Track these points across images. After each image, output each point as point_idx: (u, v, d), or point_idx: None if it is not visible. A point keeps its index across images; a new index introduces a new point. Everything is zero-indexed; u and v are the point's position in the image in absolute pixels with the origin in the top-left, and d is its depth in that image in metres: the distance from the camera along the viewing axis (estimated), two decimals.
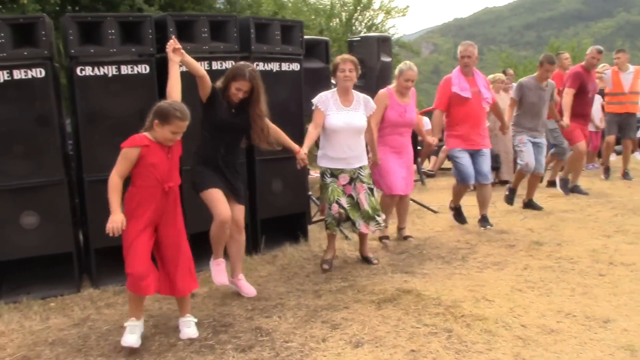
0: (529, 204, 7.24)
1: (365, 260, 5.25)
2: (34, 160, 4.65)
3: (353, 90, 5.06)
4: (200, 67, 4.09)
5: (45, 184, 4.69)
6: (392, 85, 5.71)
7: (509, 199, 7.32)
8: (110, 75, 4.80)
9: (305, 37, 6.25)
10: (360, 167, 5.05)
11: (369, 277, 4.81)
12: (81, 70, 4.71)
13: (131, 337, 3.58)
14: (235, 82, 4.14)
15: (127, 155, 3.50)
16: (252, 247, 5.60)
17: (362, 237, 5.27)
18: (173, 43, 3.90)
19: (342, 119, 4.92)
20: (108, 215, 3.47)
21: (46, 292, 4.80)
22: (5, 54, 4.52)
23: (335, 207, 4.93)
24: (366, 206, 4.97)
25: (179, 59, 3.91)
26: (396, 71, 5.64)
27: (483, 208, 6.39)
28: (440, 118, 6.26)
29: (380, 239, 5.86)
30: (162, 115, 3.52)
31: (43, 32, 4.58)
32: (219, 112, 4.16)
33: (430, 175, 10.73)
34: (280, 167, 5.61)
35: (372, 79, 6.92)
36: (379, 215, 5.01)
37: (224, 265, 4.44)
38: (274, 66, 5.63)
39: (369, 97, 5.16)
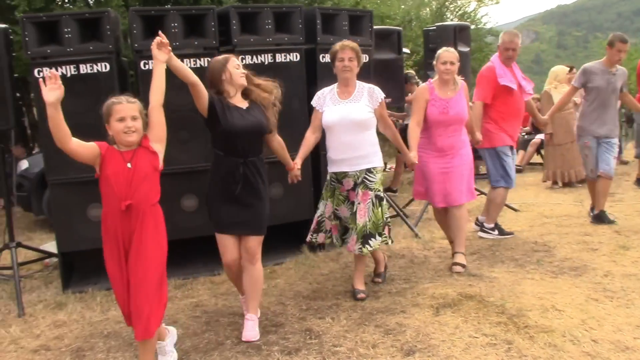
0: (599, 217, 6.03)
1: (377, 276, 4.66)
2: None
3: (358, 81, 4.36)
4: (191, 73, 3.47)
5: None
6: (435, 77, 4.94)
7: (599, 219, 6.06)
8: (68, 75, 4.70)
9: (376, 27, 6.04)
10: (368, 170, 4.25)
11: (433, 279, 4.56)
12: (144, 64, 4.73)
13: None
14: (228, 65, 3.65)
15: (89, 146, 3.01)
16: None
17: (358, 261, 4.43)
18: (159, 39, 3.23)
19: (337, 112, 4.23)
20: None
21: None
22: (72, 49, 4.60)
23: (328, 223, 4.38)
24: (364, 219, 4.16)
25: (165, 57, 3.22)
26: (435, 58, 4.91)
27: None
28: (481, 111, 5.54)
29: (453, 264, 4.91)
30: (104, 114, 3.05)
31: (108, 27, 4.63)
32: (229, 118, 3.59)
33: (517, 171, 10.21)
34: None
35: None
36: (379, 235, 4.22)
37: (254, 323, 3.77)
38: None
39: (374, 87, 4.37)
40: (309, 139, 4.38)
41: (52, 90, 2.82)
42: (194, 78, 3.47)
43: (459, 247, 4.90)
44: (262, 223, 3.77)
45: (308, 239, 4.49)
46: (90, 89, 4.63)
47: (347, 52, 4.23)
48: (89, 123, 4.63)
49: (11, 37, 4.76)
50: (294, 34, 5.16)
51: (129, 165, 3.01)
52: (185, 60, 4.81)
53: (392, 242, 4.41)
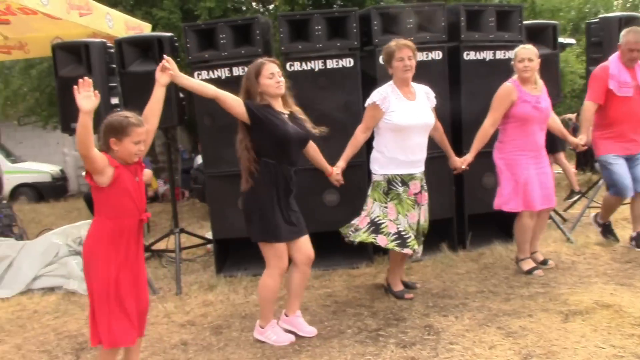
0: None
1: (406, 285, 4.51)
2: None
3: (412, 82, 4.23)
4: (208, 88, 3.53)
5: None
6: (514, 77, 4.62)
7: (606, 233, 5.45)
8: (316, 69, 5.03)
9: (530, 21, 5.82)
10: (424, 173, 4.26)
11: (574, 285, 4.31)
12: (290, 65, 5.01)
13: None
14: (264, 71, 3.59)
15: (104, 158, 2.94)
16: (457, 243, 5.42)
17: (401, 259, 4.42)
18: (163, 63, 3.30)
19: (412, 114, 4.10)
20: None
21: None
22: (226, 53, 5.02)
23: (394, 226, 4.13)
24: (425, 218, 4.28)
25: (166, 81, 3.28)
26: (513, 57, 4.62)
27: (638, 223, 5.19)
28: (592, 112, 5.05)
29: (543, 263, 4.82)
30: (116, 130, 2.96)
31: (258, 32, 4.99)
32: (279, 125, 3.56)
33: None
34: (491, 161, 5.31)
35: None
36: (423, 237, 4.33)
37: (276, 324, 3.84)
38: (487, 55, 5.34)
39: (427, 87, 4.31)
40: (359, 139, 4.25)
41: (86, 98, 2.80)
42: (212, 92, 3.53)
43: (536, 245, 4.89)
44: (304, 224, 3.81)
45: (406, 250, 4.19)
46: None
47: (405, 50, 4.08)
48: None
49: (176, 44, 5.30)
50: (435, 32, 5.16)
51: (136, 179, 3.09)
52: (328, 60, 5.06)
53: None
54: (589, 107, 5.11)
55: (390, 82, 4.19)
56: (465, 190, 5.42)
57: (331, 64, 5.04)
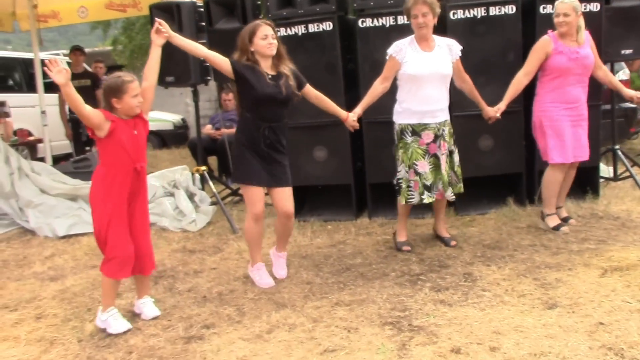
0: None
1: (441, 240, 4.60)
2: None
3: (434, 35, 4.31)
4: (199, 47, 3.91)
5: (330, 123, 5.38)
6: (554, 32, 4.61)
7: None
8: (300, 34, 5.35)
9: None
10: (444, 123, 4.35)
11: (630, 243, 4.28)
12: (362, 22, 5.20)
13: (121, 323, 3.53)
14: (258, 32, 3.84)
15: (97, 115, 3.33)
16: (525, 197, 5.45)
17: (438, 208, 4.63)
18: (157, 25, 3.64)
19: (425, 64, 4.22)
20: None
21: (329, 217, 5.62)
22: (302, 11, 5.32)
23: (411, 172, 4.34)
24: (445, 166, 4.34)
25: (161, 41, 3.62)
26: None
27: None
28: None
29: (562, 220, 4.80)
30: (115, 90, 3.36)
31: None
32: (257, 86, 3.83)
33: None
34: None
35: None
36: (458, 182, 4.46)
37: (264, 268, 4.17)
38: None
39: (453, 41, 4.37)
40: (377, 89, 4.38)
41: (58, 73, 3.13)
42: (202, 52, 3.89)
43: (562, 201, 4.92)
44: (289, 176, 4.06)
45: (405, 183, 4.46)
46: (316, 46, 5.33)
47: (419, 6, 4.15)
48: (314, 76, 5.37)
49: (258, 2, 5.66)
50: None
51: (135, 132, 3.44)
52: (310, 25, 5.23)
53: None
54: None
55: (412, 35, 4.34)
56: (537, 145, 5.40)
57: (312, 28, 5.22)
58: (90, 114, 3.32)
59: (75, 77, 7.77)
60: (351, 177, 5.51)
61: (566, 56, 4.51)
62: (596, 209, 5.23)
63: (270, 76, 3.91)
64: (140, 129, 3.50)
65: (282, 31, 5.39)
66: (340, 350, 3.04)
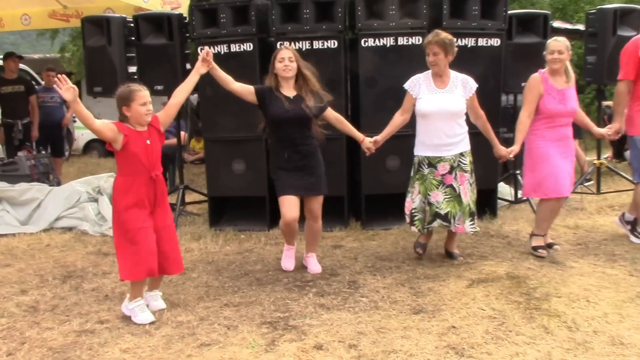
0: None
1: (449, 255, 4.78)
2: None
3: (451, 71, 4.52)
4: (230, 81, 4.26)
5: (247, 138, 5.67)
6: (545, 69, 4.72)
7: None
8: (304, 49, 5.52)
9: (520, 10, 6.08)
10: (462, 154, 4.50)
11: (510, 259, 4.65)
12: (279, 45, 5.53)
13: (147, 315, 3.74)
14: (277, 56, 4.23)
15: (110, 128, 3.54)
16: None
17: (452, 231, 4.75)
18: (205, 54, 3.99)
19: (435, 102, 4.43)
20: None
21: (244, 227, 5.91)
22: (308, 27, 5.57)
23: (426, 202, 4.52)
24: (467, 199, 4.47)
25: (204, 70, 4.00)
26: (545, 49, 4.70)
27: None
28: (625, 93, 4.98)
29: (549, 246, 4.88)
30: (124, 98, 3.55)
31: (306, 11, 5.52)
32: (272, 109, 4.23)
33: None
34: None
35: (603, 57, 6.25)
36: (474, 215, 4.56)
37: (292, 252, 4.66)
38: (468, 42, 5.65)
39: (468, 78, 4.53)
40: (397, 120, 4.63)
41: (67, 91, 3.35)
42: (233, 86, 4.27)
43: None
44: (322, 185, 4.44)
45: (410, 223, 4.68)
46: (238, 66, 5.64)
47: (431, 46, 4.40)
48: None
49: (185, 21, 5.96)
50: (418, 19, 5.53)
51: (148, 142, 3.63)
52: (315, 42, 5.54)
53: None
54: (621, 88, 5.02)
55: (428, 71, 4.54)
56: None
57: (317, 44, 5.54)
58: (102, 128, 3.51)
59: (9, 82, 8.02)
60: (266, 190, 5.81)
61: (555, 100, 4.61)
62: (490, 228, 5.64)
63: (291, 97, 4.27)
64: (154, 139, 3.68)
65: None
66: (214, 345, 3.33)
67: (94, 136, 14.55)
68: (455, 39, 4.52)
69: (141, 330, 3.57)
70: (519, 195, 6.47)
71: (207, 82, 5.77)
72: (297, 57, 4.29)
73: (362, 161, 5.58)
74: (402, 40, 5.46)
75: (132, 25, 6.06)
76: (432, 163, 4.50)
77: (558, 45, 4.64)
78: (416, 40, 5.53)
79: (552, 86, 4.64)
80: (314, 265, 4.57)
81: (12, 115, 7.96)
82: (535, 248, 4.79)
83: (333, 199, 5.67)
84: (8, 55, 8.29)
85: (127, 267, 3.64)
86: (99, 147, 14.59)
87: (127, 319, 3.76)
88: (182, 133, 7.85)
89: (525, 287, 3.98)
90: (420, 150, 4.57)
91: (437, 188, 4.49)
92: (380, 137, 4.63)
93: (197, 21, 5.72)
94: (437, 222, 4.47)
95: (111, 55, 5.92)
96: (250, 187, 5.87)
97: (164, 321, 3.69)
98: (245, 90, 4.30)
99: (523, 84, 5.85)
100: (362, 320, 3.59)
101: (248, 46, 5.63)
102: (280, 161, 4.35)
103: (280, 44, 5.50)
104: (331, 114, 4.46)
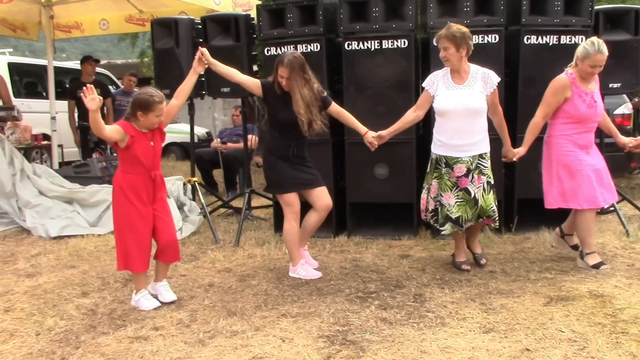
0: None
1: (473, 258, 4.63)
2: None
3: (471, 64, 4.27)
4: (236, 74, 4.39)
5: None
6: (572, 70, 4.35)
7: None
8: (372, 49, 5.31)
9: (609, 6, 5.63)
10: (481, 156, 4.27)
11: (590, 275, 4.28)
12: (348, 45, 5.34)
13: (151, 302, 3.98)
14: (278, 69, 4.26)
15: (117, 130, 3.75)
16: (503, 225, 5.47)
17: (475, 229, 4.60)
18: (200, 54, 4.18)
19: (452, 98, 4.22)
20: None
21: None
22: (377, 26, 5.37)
23: (432, 203, 4.43)
24: (481, 202, 4.27)
25: (201, 69, 4.22)
26: (579, 52, 4.25)
27: None
28: None
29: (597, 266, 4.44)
30: (143, 105, 3.73)
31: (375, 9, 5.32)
32: (277, 110, 4.33)
33: None
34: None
35: None
36: (493, 212, 4.33)
37: (309, 258, 4.69)
38: (550, 39, 5.27)
39: (489, 72, 4.27)
40: (409, 117, 4.48)
41: (92, 101, 3.61)
42: (239, 78, 4.40)
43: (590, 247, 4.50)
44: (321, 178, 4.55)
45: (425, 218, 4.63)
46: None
47: (441, 41, 4.18)
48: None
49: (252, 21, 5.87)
50: (495, 15, 5.20)
51: (151, 143, 3.84)
52: (384, 41, 5.31)
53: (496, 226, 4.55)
54: None
55: (446, 67, 4.35)
56: (517, 174, 5.44)
57: (387, 44, 5.30)
58: (111, 134, 3.74)
59: (85, 86, 8.17)
60: (332, 195, 5.59)
61: (585, 103, 4.30)
62: (575, 240, 5.21)
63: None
64: (157, 139, 3.90)
65: (272, 50, 5.59)
66: (267, 358, 3.15)
67: (172, 139, 15.10)
68: (466, 30, 4.21)
69: (195, 339, 3.44)
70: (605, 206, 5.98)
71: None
72: (292, 76, 4.26)
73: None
74: (477, 39, 5.14)
75: (200, 27, 6.02)
76: (449, 163, 4.31)
77: (602, 59, 4.24)
78: (493, 38, 5.21)
79: (581, 89, 4.29)
80: (310, 260, 4.70)
81: (88, 118, 8.09)
82: (596, 266, 4.39)
83: (402, 205, 5.46)
84: (85, 59, 8.49)
85: (123, 258, 3.90)
86: (177, 150, 14.92)
87: (183, 326, 3.65)
88: (252, 136, 7.81)
89: (610, 308, 3.59)
90: (438, 149, 4.38)
91: (451, 190, 4.32)
92: (387, 132, 4.48)
93: (264, 22, 5.61)
94: (449, 225, 4.32)
95: (179, 57, 5.89)
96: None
97: (219, 330, 3.55)
98: (252, 83, 4.43)
99: (611, 85, 5.51)
100: (426, 338, 3.33)
101: (315, 47, 5.46)
102: (283, 153, 4.37)
103: (348, 44, 5.34)
104: (334, 107, 4.50)
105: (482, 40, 5.20)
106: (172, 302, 4.02)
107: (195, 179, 6.41)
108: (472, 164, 4.27)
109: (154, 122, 3.80)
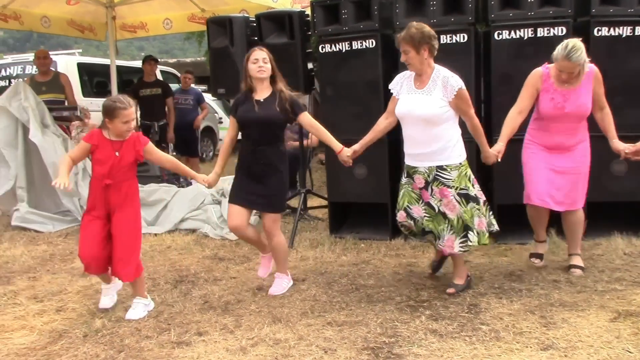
0: None
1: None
2: None
3: (437, 67, 3.90)
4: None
5: None
6: (552, 65, 4.07)
7: None
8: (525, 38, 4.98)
9: None
10: (440, 168, 3.86)
11: None
12: (498, 34, 5.03)
13: (104, 300, 4.04)
14: (250, 57, 4.01)
15: (81, 146, 3.80)
16: None
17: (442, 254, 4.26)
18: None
19: (407, 104, 3.92)
20: None
21: (366, 235, 5.56)
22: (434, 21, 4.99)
23: (402, 214, 4.09)
24: (454, 213, 3.85)
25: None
26: (554, 52, 3.98)
27: None
28: None
29: (530, 256, 4.53)
30: (108, 112, 3.65)
31: (432, 3, 5.08)
32: (240, 110, 4.08)
33: None
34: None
35: None
36: (471, 231, 3.86)
37: (266, 260, 4.43)
38: (624, 31, 4.88)
39: (450, 76, 3.83)
40: (380, 124, 4.17)
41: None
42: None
43: (574, 248, 4.41)
44: (275, 202, 4.13)
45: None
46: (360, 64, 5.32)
47: (401, 44, 3.88)
48: (354, 94, 5.36)
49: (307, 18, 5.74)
50: (561, 6, 4.86)
51: (117, 154, 3.72)
52: (441, 36, 5.06)
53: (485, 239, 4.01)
54: None
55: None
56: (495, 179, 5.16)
57: (445, 39, 5.05)
58: (76, 156, 3.84)
59: (147, 85, 8.29)
60: (388, 196, 5.42)
61: (551, 102, 4.07)
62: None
63: (261, 100, 4.04)
64: (126, 153, 3.76)
65: (327, 47, 5.44)
66: None
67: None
68: (427, 29, 3.86)
69: (237, 347, 3.36)
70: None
71: (327, 82, 5.55)
72: (271, 59, 4.04)
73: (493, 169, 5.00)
74: (541, 32, 4.82)
75: (254, 24, 5.94)
76: (409, 173, 4.04)
77: (568, 66, 3.92)
78: (559, 31, 4.87)
79: (553, 86, 4.05)
80: (272, 287, 4.26)
81: (149, 117, 8.22)
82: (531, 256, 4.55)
83: None
84: (145, 59, 8.61)
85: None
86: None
87: (226, 331, 3.57)
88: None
89: None
90: (405, 157, 4.09)
91: (417, 203, 4.02)
92: (359, 145, 4.17)
93: (318, 18, 5.47)
94: (430, 237, 4.07)
95: (234, 56, 5.83)
96: (372, 193, 5.51)
97: (262, 337, 3.45)
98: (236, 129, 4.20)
99: None
100: (478, 353, 3.12)
101: (370, 43, 5.28)
102: (241, 163, 4.16)
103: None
104: (305, 119, 4.12)
105: (547, 34, 4.86)
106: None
107: None
108: (429, 176, 3.92)
109: (121, 129, 3.68)
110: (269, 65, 4.02)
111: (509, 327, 3.42)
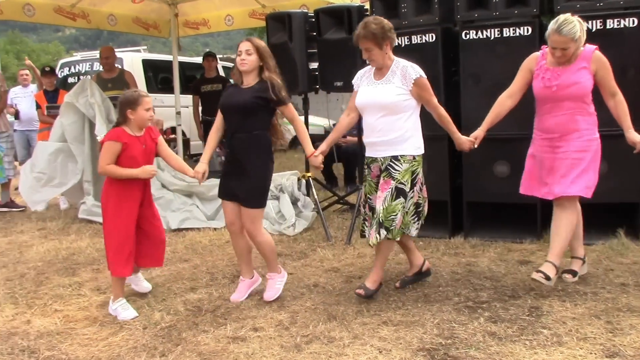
0: None
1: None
2: None
3: (396, 59, 3.86)
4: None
5: None
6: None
7: None
8: (492, 38, 4.95)
9: None
10: (395, 158, 3.81)
11: None
12: (465, 34, 5.02)
13: (129, 312, 3.91)
14: (238, 49, 3.93)
15: (111, 148, 3.79)
16: None
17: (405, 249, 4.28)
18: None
19: (366, 94, 3.91)
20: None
21: (425, 233, 5.42)
22: (497, 13, 4.99)
23: (367, 207, 4.07)
24: (380, 206, 3.77)
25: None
26: None
27: None
28: None
29: (563, 272, 4.07)
30: (130, 102, 3.77)
31: None
32: (222, 97, 4.07)
33: None
34: None
35: None
36: (387, 229, 3.75)
37: (242, 286, 4.20)
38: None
39: (408, 66, 3.81)
40: (342, 122, 4.12)
41: (144, 172, 3.88)
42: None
43: (575, 251, 4.16)
44: (250, 197, 3.93)
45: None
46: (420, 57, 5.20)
47: (362, 42, 3.79)
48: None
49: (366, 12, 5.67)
50: None
51: (143, 146, 3.89)
52: (505, 29, 4.93)
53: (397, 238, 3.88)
54: None
55: None
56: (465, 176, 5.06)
57: (508, 32, 4.89)
58: (114, 159, 3.85)
59: (208, 81, 8.40)
60: (448, 194, 5.32)
61: (542, 81, 3.84)
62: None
63: (244, 88, 3.98)
64: (148, 144, 3.95)
65: (472, 34, 5.18)
66: None
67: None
68: (385, 23, 3.79)
69: (292, 343, 3.35)
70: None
71: None
72: (260, 49, 3.91)
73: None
74: (610, 23, 4.61)
75: (312, 20, 5.92)
76: (367, 163, 4.03)
77: (559, 41, 3.66)
78: (630, 22, 4.64)
79: (543, 65, 3.84)
80: (266, 291, 4.12)
81: (210, 113, 8.29)
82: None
83: (523, 206, 5.04)
84: (205, 56, 8.73)
85: (116, 263, 3.88)
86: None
87: (282, 328, 3.58)
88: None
89: None
90: (365, 148, 4.07)
91: (375, 192, 3.95)
92: (325, 145, 4.09)
93: (377, 12, 5.38)
94: (382, 234, 3.78)
95: (292, 52, 5.83)
96: (432, 191, 5.37)
97: (317, 335, 3.44)
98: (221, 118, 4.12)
99: None
100: (538, 358, 3.02)
101: (430, 37, 5.18)
102: (226, 154, 4.19)
103: (466, 34, 5.01)
104: (288, 111, 4.00)
105: (617, 25, 4.65)
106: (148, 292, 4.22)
107: (309, 174, 6.35)
108: (382, 165, 3.88)
109: (145, 117, 3.82)
110: (252, 57, 3.91)
111: (572, 332, 3.29)
